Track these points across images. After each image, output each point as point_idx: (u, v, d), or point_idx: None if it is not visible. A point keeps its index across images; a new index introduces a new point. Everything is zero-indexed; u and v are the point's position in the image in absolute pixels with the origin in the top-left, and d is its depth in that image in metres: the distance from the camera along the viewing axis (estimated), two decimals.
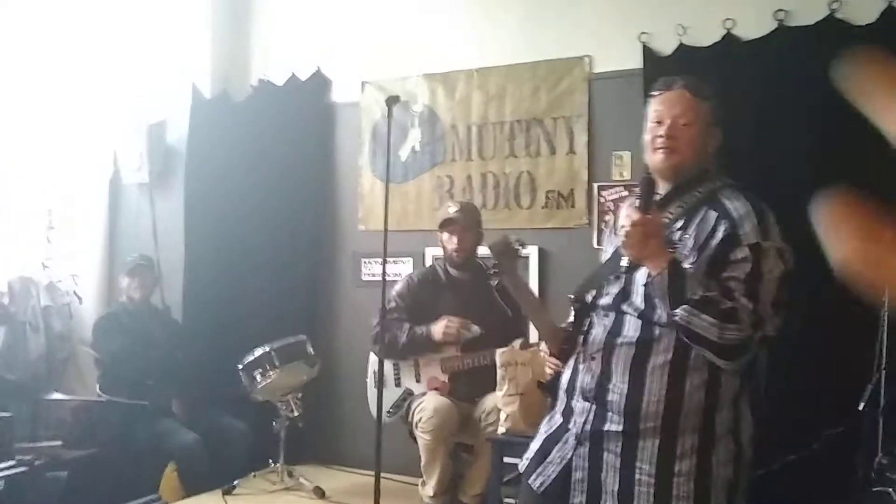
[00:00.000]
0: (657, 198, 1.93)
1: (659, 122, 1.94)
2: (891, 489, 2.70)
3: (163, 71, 5.05)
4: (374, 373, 3.65)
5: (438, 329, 3.59)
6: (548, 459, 2.00)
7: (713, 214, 1.84)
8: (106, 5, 5.11)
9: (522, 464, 2.10)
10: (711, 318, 1.72)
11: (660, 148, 1.93)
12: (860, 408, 2.86)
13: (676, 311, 1.75)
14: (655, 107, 1.97)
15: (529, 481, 2.04)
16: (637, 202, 1.88)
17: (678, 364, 1.81)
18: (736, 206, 1.83)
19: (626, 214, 1.87)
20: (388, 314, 3.65)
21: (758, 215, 1.81)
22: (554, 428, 2.04)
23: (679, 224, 1.89)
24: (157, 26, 5.06)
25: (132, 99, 5.09)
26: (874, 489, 2.77)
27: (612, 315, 1.93)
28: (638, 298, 1.88)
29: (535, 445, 2.07)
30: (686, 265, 1.81)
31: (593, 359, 1.93)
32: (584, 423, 1.93)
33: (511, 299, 3.33)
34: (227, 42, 5.11)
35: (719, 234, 1.80)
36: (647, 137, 1.98)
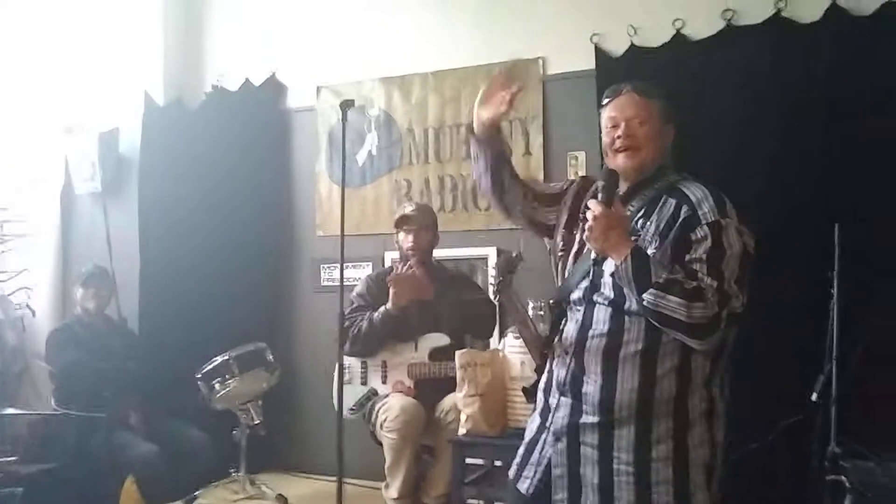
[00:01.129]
0: (619, 193, 1.98)
1: (615, 126, 2.01)
2: (843, 477, 2.76)
3: (114, 78, 4.99)
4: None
5: (389, 299, 3.56)
6: (530, 461, 2.03)
7: (672, 201, 1.90)
8: (57, 12, 5.03)
9: (511, 470, 2.12)
10: (678, 297, 1.76)
11: (620, 149, 1.99)
12: (813, 398, 2.91)
13: (644, 296, 1.79)
14: (609, 113, 2.04)
15: (518, 486, 2.06)
16: (599, 195, 1.91)
17: (649, 351, 1.85)
18: (694, 191, 1.90)
19: (589, 208, 1.89)
20: (350, 314, 3.65)
21: (714, 196, 1.87)
22: (535, 430, 2.07)
23: (640, 213, 1.94)
24: (109, 33, 5.00)
25: (83, 107, 5.02)
26: (828, 477, 2.82)
27: (582, 308, 1.96)
28: (607, 289, 1.92)
29: (520, 450, 2.10)
30: (650, 251, 1.85)
31: (567, 353, 1.96)
32: (561, 417, 1.96)
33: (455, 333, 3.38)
34: (180, 48, 5.06)
35: (680, 217, 1.85)
36: (605, 141, 2.04)
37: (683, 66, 3.75)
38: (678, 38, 3.83)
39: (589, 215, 1.88)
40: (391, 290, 3.57)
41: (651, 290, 1.78)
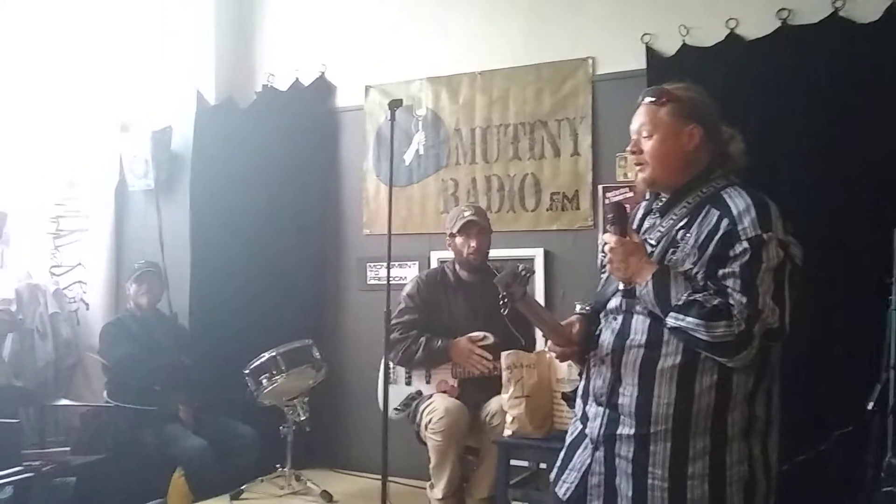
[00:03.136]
0: (658, 204, 1.97)
1: (631, 141, 1.98)
2: None
3: (167, 77, 5.07)
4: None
5: (458, 350, 3.59)
6: (570, 466, 2.01)
7: (715, 212, 1.83)
8: (112, 13, 5.13)
9: (552, 473, 2.11)
10: (696, 318, 1.73)
11: (633, 165, 1.98)
12: (869, 407, 2.84)
13: (667, 318, 1.78)
14: (630, 126, 2.00)
15: (556, 490, 2.04)
16: (611, 227, 1.91)
17: (688, 366, 1.80)
18: (737, 202, 1.82)
19: (605, 240, 1.90)
20: (399, 315, 3.67)
21: (758, 209, 1.79)
22: (574, 435, 2.05)
23: (682, 223, 1.89)
24: (162, 33, 5.09)
25: (137, 105, 5.12)
26: (884, 489, 2.76)
27: (620, 317, 1.93)
28: None
29: (561, 454, 2.08)
30: (688, 264, 1.81)
31: (603, 363, 1.94)
32: (598, 427, 1.93)
33: (522, 326, 3.35)
34: (231, 48, 5.13)
35: (720, 231, 1.79)
36: None
37: (737, 67, 3.69)
38: (732, 37, 3.76)
39: (606, 248, 1.89)
40: (464, 350, 3.57)
41: (672, 313, 1.77)
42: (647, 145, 1.93)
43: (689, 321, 1.74)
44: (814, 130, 3.53)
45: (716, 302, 1.73)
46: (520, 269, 2.13)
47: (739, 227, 1.77)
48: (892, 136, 3.38)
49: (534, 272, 2.20)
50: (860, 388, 2.94)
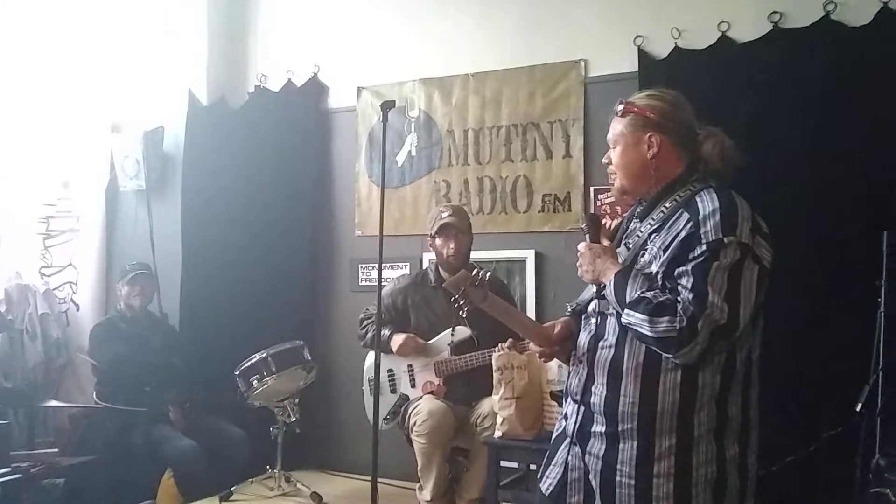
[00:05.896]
0: (640, 208, 2.01)
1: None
2: (888, 490, 2.69)
3: (159, 78, 5.06)
4: (370, 380, 3.66)
5: (396, 342, 3.70)
6: (553, 462, 2.04)
7: (685, 216, 1.86)
8: (104, 14, 5.12)
9: (541, 470, 2.14)
10: (641, 314, 1.77)
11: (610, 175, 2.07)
12: (857, 409, 2.85)
13: (622, 315, 1.83)
14: None
15: (540, 485, 2.07)
16: (586, 235, 1.99)
17: (652, 365, 1.83)
18: (705, 205, 1.83)
19: (578, 248, 1.98)
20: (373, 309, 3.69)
21: (724, 212, 1.80)
22: (559, 431, 2.08)
23: (655, 227, 1.92)
24: (154, 33, 5.07)
25: (129, 106, 5.10)
26: (872, 490, 2.76)
27: (596, 319, 1.97)
28: None
29: (548, 451, 2.11)
30: (654, 266, 1.84)
31: (581, 362, 1.98)
32: (574, 423, 1.97)
33: (482, 324, 3.37)
34: (224, 49, 5.12)
35: (683, 233, 1.82)
36: None
37: (729, 69, 3.70)
38: (723, 40, 3.77)
39: (578, 254, 1.97)
40: (401, 343, 3.69)
41: (625, 310, 1.82)
42: (614, 156, 2.02)
43: (636, 316, 1.78)
44: (805, 133, 3.55)
45: (662, 298, 1.76)
46: (475, 272, 2.13)
47: (702, 231, 1.79)
48: (883, 139, 3.40)
49: (490, 274, 2.18)
50: (849, 390, 2.94)
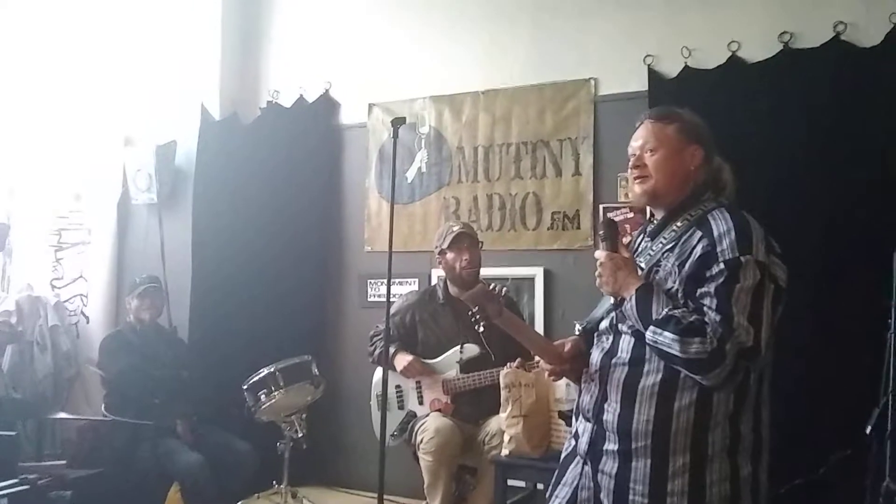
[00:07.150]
0: (651, 226, 2.02)
1: (631, 156, 2.03)
2: None
3: (172, 92, 5.09)
4: (377, 396, 3.65)
5: (401, 362, 3.69)
6: (562, 482, 2.04)
7: (698, 234, 1.87)
8: (118, 28, 5.17)
9: (549, 490, 2.14)
10: (672, 333, 1.75)
11: (634, 179, 2.02)
12: (867, 431, 2.82)
13: (646, 332, 1.81)
14: (629, 145, 2.06)
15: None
16: (603, 243, 1.97)
17: (667, 383, 1.83)
18: (719, 224, 1.85)
19: (596, 256, 1.96)
20: (379, 332, 3.72)
21: (738, 231, 1.81)
22: (568, 450, 2.08)
23: (669, 247, 1.92)
24: (167, 48, 5.12)
25: (141, 120, 5.14)
26: None
27: (609, 337, 1.97)
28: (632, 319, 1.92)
29: (557, 470, 2.11)
30: (668, 284, 1.84)
31: (593, 380, 1.98)
32: (586, 442, 1.96)
33: (497, 342, 3.37)
34: (236, 64, 5.16)
35: (697, 252, 1.82)
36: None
37: (738, 89, 3.70)
38: (733, 60, 3.78)
39: (597, 263, 1.94)
40: (405, 366, 3.68)
41: (650, 327, 1.80)
42: (652, 160, 1.98)
43: (665, 336, 1.76)
44: (814, 153, 3.54)
45: (692, 319, 1.75)
46: (492, 286, 2.14)
47: (718, 249, 1.80)
48: (893, 159, 3.39)
49: (507, 291, 2.20)
50: (859, 412, 2.93)
